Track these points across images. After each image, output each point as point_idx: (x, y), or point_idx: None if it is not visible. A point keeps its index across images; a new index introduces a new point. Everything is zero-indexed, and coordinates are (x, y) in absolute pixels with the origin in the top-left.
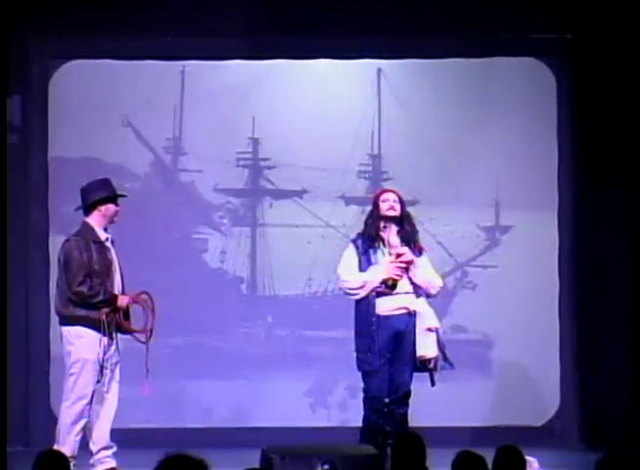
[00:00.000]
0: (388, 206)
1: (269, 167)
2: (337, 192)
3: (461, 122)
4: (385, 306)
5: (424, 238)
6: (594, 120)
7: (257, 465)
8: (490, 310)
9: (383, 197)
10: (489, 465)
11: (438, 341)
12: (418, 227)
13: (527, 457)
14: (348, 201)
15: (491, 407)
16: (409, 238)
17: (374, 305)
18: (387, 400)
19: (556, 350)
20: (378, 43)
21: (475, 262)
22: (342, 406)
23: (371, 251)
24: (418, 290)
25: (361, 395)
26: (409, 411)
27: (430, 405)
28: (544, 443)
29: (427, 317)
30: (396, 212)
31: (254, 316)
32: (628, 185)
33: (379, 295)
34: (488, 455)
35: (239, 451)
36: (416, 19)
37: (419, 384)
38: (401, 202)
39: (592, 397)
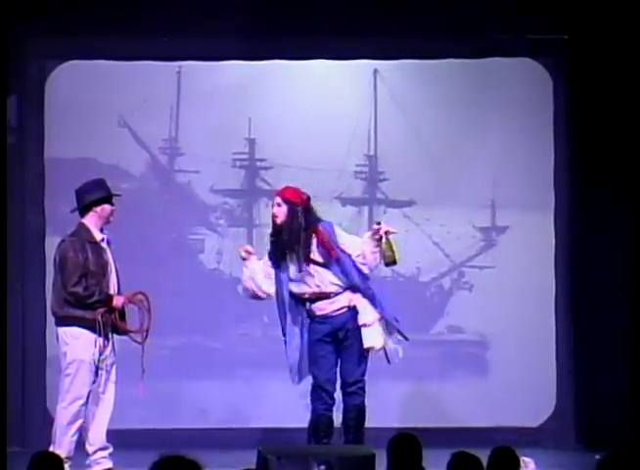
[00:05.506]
0: (273, 211)
1: (266, 168)
2: (333, 192)
3: (457, 123)
4: (323, 308)
5: (420, 239)
6: (590, 121)
7: (254, 466)
8: (487, 311)
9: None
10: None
11: (388, 324)
12: (414, 228)
13: (524, 458)
14: (345, 201)
15: (487, 408)
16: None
17: (305, 308)
18: (333, 392)
19: (552, 350)
20: (374, 44)
21: (471, 263)
22: (338, 407)
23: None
24: (352, 286)
25: None
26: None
27: (425, 406)
28: (540, 443)
29: (362, 313)
30: (278, 219)
31: (251, 317)
32: (624, 185)
33: (315, 299)
34: (485, 456)
35: (235, 452)
36: (412, 19)
37: (416, 385)
38: (289, 203)
39: (588, 397)
